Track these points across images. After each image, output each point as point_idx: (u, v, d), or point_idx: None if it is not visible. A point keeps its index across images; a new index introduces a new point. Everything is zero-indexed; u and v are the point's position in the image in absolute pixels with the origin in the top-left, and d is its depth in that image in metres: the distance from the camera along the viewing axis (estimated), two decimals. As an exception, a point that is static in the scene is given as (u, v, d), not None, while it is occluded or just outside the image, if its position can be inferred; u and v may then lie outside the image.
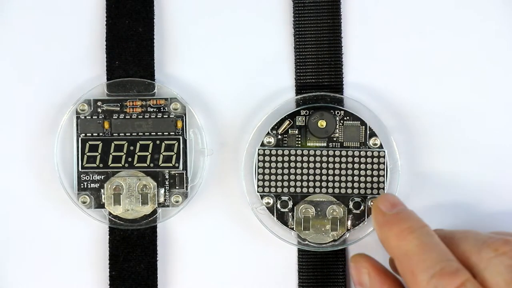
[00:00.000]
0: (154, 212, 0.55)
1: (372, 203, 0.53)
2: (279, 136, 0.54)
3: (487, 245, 0.47)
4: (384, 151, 0.53)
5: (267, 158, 0.53)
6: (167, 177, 0.54)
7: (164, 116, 0.54)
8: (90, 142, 0.54)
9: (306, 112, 0.54)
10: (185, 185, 0.54)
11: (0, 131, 0.55)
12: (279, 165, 0.53)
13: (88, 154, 0.54)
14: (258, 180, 0.53)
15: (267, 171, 0.53)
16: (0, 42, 0.55)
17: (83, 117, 0.54)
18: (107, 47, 0.55)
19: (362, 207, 0.53)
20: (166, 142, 0.54)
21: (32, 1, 0.55)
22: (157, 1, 0.55)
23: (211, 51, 0.55)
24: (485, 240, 0.48)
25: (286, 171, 0.53)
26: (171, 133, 0.54)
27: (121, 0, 0.55)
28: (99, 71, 0.55)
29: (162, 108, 0.54)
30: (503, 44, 0.55)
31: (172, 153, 0.54)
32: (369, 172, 0.53)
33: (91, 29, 0.54)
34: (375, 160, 0.53)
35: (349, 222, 0.54)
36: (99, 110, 0.54)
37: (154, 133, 0.54)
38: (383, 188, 0.53)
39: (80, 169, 0.54)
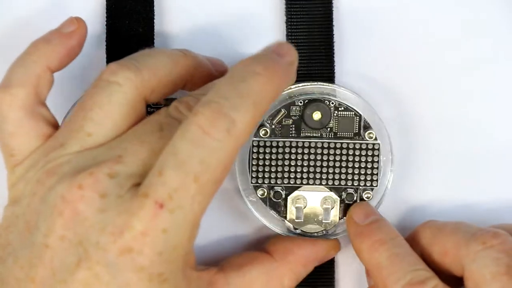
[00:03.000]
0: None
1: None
2: (273, 127, 0.54)
3: (476, 238, 0.48)
4: (378, 143, 0.53)
5: (261, 149, 0.53)
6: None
7: (164, 116, 0.54)
8: (89, 142, 0.53)
9: (300, 103, 0.54)
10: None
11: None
12: (273, 156, 0.53)
13: (87, 153, 0.53)
14: (252, 171, 0.53)
15: (261, 162, 0.53)
16: (-1, 43, 0.55)
17: (82, 117, 0.54)
18: (107, 47, 0.54)
19: (355, 198, 0.54)
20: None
21: (31, 1, 0.55)
22: (157, 1, 0.55)
23: (211, 51, 0.54)
24: (474, 233, 0.48)
25: (280, 162, 0.53)
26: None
27: (121, 0, 0.54)
28: (99, 71, 0.54)
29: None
30: (503, 40, 0.55)
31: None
32: (363, 164, 0.53)
33: (91, 29, 0.53)
34: (369, 152, 0.53)
35: (341, 213, 0.54)
36: (99, 110, 0.54)
37: (153, 132, 0.53)
38: (377, 180, 0.53)
39: (79, 169, 0.54)
